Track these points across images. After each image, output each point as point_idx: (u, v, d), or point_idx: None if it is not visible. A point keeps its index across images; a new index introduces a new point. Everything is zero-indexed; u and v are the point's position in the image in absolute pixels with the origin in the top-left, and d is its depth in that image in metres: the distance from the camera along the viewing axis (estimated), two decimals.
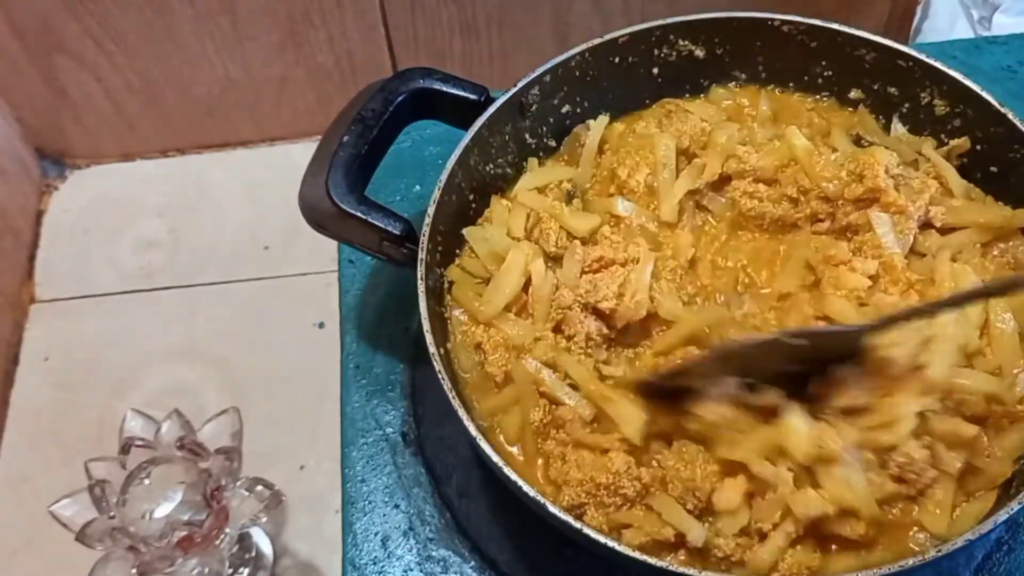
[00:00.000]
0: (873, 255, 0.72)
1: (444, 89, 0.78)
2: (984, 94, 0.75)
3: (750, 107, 0.84)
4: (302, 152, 1.35)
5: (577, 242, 0.74)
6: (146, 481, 0.82)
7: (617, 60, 0.82)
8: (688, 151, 0.80)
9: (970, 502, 0.66)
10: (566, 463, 0.67)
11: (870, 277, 0.71)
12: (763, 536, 0.64)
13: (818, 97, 0.84)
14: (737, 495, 0.64)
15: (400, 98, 0.77)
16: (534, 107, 0.80)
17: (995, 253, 0.74)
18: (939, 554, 0.60)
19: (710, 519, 0.65)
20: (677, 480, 0.65)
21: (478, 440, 0.64)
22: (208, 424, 0.88)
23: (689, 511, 0.65)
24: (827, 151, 0.77)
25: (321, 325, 1.21)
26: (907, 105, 0.80)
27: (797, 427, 0.63)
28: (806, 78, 0.83)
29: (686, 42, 0.81)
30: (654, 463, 0.67)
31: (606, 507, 0.66)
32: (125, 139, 1.37)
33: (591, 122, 0.82)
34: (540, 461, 0.70)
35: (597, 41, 0.80)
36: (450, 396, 0.66)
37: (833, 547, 0.65)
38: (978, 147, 0.77)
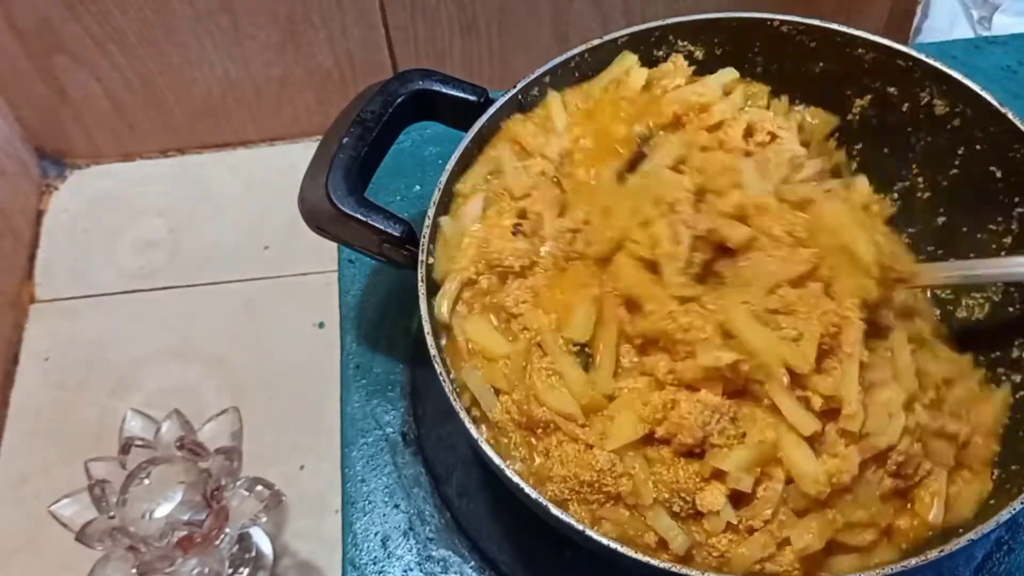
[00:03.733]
0: None
1: (444, 90, 0.78)
2: (984, 94, 0.75)
3: None
4: (302, 152, 1.35)
5: None
6: (146, 481, 0.82)
7: None
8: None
9: (968, 484, 0.67)
10: (549, 459, 0.67)
11: None
12: (752, 532, 0.64)
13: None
14: (721, 497, 0.64)
15: (399, 100, 0.77)
16: (534, 108, 0.80)
17: None
18: (941, 554, 0.60)
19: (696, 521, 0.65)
20: (660, 483, 0.65)
21: (478, 441, 0.64)
22: (208, 424, 0.88)
23: (675, 513, 0.65)
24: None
25: (321, 325, 1.21)
26: (907, 105, 0.80)
27: (806, 468, 0.63)
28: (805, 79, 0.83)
29: (685, 43, 0.81)
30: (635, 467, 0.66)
31: (589, 503, 0.65)
32: (125, 139, 1.37)
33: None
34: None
35: (597, 42, 0.80)
36: (450, 397, 0.66)
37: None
38: (978, 147, 0.77)
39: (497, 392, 0.69)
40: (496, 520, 0.79)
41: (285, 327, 1.22)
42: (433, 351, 0.67)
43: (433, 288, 0.72)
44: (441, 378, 0.66)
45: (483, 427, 0.69)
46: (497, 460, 0.64)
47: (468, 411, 0.67)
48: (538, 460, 0.67)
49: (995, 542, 0.77)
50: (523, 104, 0.79)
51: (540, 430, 0.67)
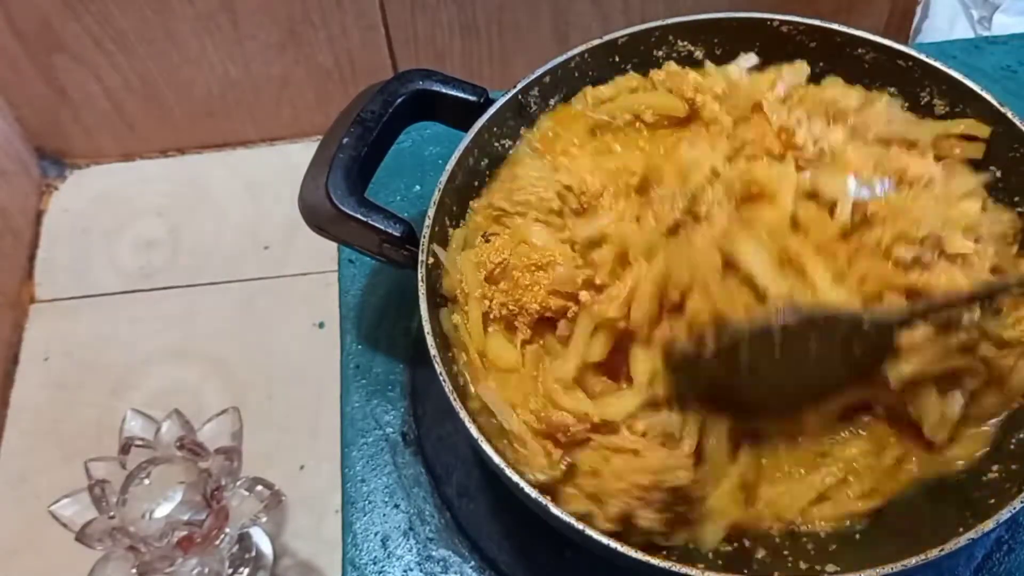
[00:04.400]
0: None
1: (444, 91, 0.78)
2: (984, 94, 0.75)
3: None
4: (302, 152, 1.36)
5: None
6: (146, 481, 0.82)
7: (617, 60, 0.82)
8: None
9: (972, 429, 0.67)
10: (599, 477, 0.65)
11: None
12: None
13: None
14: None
15: (399, 100, 0.76)
16: (534, 108, 0.80)
17: None
18: (941, 554, 0.60)
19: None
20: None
21: (479, 441, 0.64)
22: (208, 424, 0.88)
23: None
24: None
25: (321, 325, 1.21)
26: (907, 105, 0.80)
27: None
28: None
29: (685, 43, 0.81)
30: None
31: (655, 505, 0.65)
32: (125, 139, 1.37)
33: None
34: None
35: (596, 42, 0.80)
36: (450, 397, 0.66)
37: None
38: None
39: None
40: (496, 520, 0.79)
41: (285, 327, 1.22)
42: (433, 351, 0.67)
43: (434, 290, 0.72)
44: (441, 378, 0.66)
45: (501, 442, 0.67)
46: (497, 460, 0.64)
47: (469, 412, 0.66)
48: (583, 477, 0.66)
49: (995, 542, 0.77)
50: (523, 104, 0.79)
51: (563, 437, 0.66)
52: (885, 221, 0.65)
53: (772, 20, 0.80)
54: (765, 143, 0.71)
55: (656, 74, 0.80)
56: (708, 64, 0.81)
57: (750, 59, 0.81)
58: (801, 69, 0.78)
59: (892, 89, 0.80)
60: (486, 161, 0.79)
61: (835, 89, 0.76)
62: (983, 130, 0.74)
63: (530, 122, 0.81)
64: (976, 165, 0.77)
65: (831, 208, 0.66)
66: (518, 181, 0.74)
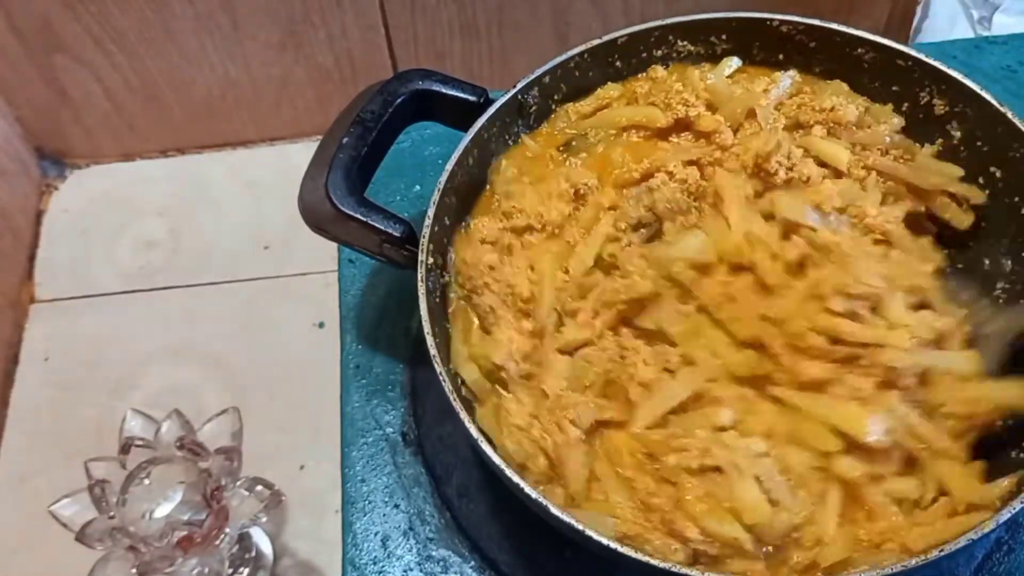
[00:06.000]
0: None
1: (443, 91, 0.78)
2: (984, 94, 0.75)
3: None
4: (302, 152, 1.36)
5: None
6: (146, 481, 0.82)
7: (617, 61, 0.82)
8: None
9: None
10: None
11: None
12: None
13: None
14: None
15: (399, 100, 0.76)
16: (534, 108, 0.80)
17: None
18: (941, 554, 0.60)
19: None
20: None
21: (479, 441, 0.64)
22: (208, 424, 0.88)
23: None
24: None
25: (321, 325, 1.21)
26: (906, 105, 0.80)
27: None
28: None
29: (685, 43, 0.81)
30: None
31: None
32: (125, 139, 1.37)
33: None
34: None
35: (596, 42, 0.80)
36: (450, 397, 0.66)
37: None
38: (978, 146, 0.77)
39: None
40: (496, 520, 0.79)
41: (285, 327, 1.22)
42: (433, 351, 0.67)
43: (433, 290, 0.72)
44: (441, 378, 0.66)
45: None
46: (497, 460, 0.63)
47: (468, 412, 0.66)
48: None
49: (995, 542, 0.77)
50: (523, 104, 0.79)
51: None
52: (827, 266, 0.66)
53: (772, 20, 0.80)
54: (743, 159, 0.73)
55: (640, 86, 0.80)
56: (691, 70, 0.81)
57: (732, 64, 0.81)
58: (793, 77, 0.79)
59: (893, 89, 0.80)
60: (485, 163, 0.79)
61: (836, 98, 0.76)
62: (978, 195, 0.75)
63: (529, 124, 0.82)
64: (975, 165, 0.77)
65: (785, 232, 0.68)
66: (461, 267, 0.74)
